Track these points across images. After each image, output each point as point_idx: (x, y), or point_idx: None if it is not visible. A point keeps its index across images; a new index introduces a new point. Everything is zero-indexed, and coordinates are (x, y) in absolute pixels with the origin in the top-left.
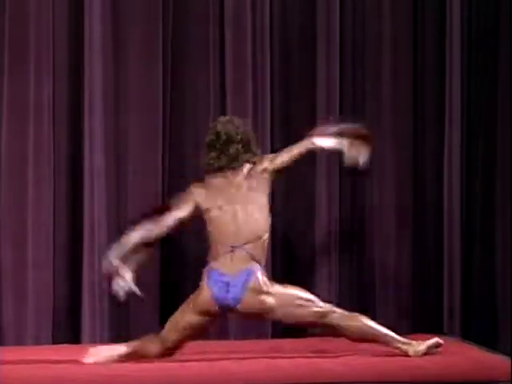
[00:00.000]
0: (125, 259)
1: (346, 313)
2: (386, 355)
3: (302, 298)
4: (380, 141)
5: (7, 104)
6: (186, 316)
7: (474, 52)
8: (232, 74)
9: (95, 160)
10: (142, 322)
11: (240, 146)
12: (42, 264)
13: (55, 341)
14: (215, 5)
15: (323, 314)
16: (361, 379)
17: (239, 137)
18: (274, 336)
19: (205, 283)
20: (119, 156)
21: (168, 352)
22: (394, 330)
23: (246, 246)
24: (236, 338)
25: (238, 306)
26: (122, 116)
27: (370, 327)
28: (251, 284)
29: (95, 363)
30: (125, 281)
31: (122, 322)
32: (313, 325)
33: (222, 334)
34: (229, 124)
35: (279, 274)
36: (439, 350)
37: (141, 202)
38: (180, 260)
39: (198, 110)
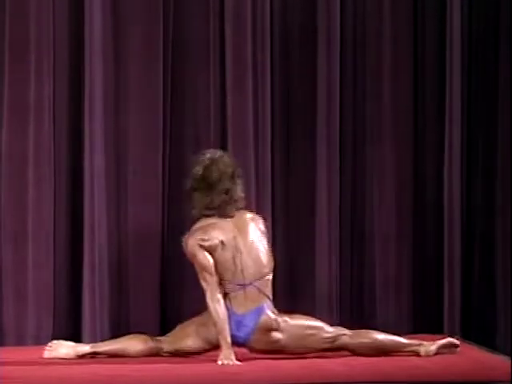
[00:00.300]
0: None
1: (355, 332)
2: (386, 355)
3: (310, 327)
4: (380, 140)
5: (7, 104)
6: (190, 340)
7: (474, 51)
8: (232, 72)
9: (95, 160)
10: (142, 322)
11: (224, 195)
12: (42, 264)
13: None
14: (215, 3)
15: (334, 339)
16: (361, 379)
17: (224, 186)
18: None
19: None
20: (119, 156)
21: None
22: (394, 331)
23: (256, 283)
24: None
25: (248, 344)
26: (122, 116)
27: (381, 340)
28: (261, 323)
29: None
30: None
31: (122, 322)
32: (325, 350)
33: None
34: (211, 170)
35: (280, 275)
36: (458, 350)
37: (141, 202)
38: (181, 261)
39: (198, 110)
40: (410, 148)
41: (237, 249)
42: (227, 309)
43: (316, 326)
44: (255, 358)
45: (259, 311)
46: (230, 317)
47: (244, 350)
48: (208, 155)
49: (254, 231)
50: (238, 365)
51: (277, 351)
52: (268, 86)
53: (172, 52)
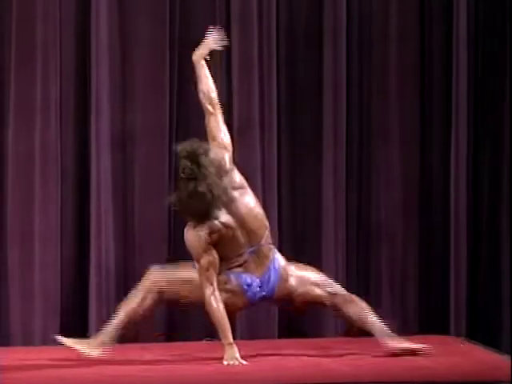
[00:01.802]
0: None
1: (349, 296)
2: (392, 355)
3: (317, 283)
4: (386, 139)
5: (14, 104)
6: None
7: (480, 50)
8: (238, 73)
9: (102, 159)
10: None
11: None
12: (48, 264)
13: None
14: (221, 2)
15: (334, 297)
16: (367, 379)
17: (206, 206)
18: (280, 336)
19: (238, 288)
20: (126, 155)
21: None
22: (400, 331)
23: (263, 241)
24: (243, 338)
25: (272, 297)
26: (129, 115)
27: (367, 314)
28: (280, 273)
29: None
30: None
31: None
32: (323, 305)
33: None
34: (196, 200)
35: None
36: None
37: (148, 202)
38: (187, 256)
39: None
40: (417, 147)
41: (237, 224)
42: (245, 278)
43: (322, 280)
44: (262, 358)
45: (275, 263)
46: (251, 283)
47: (250, 348)
48: (191, 184)
49: (241, 201)
50: (243, 365)
51: (289, 299)
52: (274, 86)
53: (178, 52)
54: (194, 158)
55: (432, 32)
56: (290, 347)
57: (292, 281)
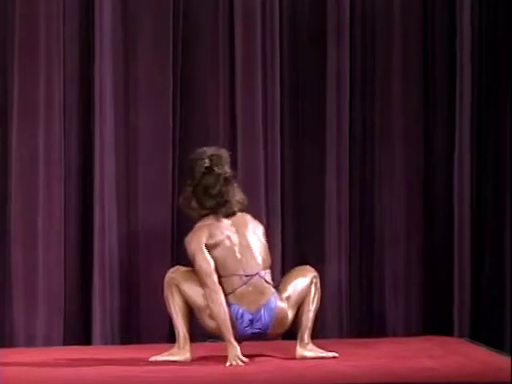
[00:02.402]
0: None
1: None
2: (395, 357)
3: (307, 287)
4: (390, 141)
5: (18, 104)
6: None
7: (484, 49)
8: (242, 71)
9: (105, 160)
10: (152, 323)
11: (216, 199)
12: (52, 265)
13: (66, 342)
14: (225, 1)
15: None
16: (370, 380)
17: (217, 189)
18: (284, 338)
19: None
20: (129, 156)
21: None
22: (403, 331)
23: (261, 273)
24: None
25: (266, 335)
26: (132, 115)
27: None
28: (277, 315)
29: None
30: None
31: (133, 322)
32: None
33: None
34: (209, 177)
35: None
36: None
37: (151, 202)
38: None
39: (207, 109)
40: (421, 148)
41: (240, 244)
42: (238, 309)
43: (307, 288)
44: (266, 359)
45: (270, 304)
46: (242, 316)
47: (254, 349)
48: (207, 160)
49: (252, 230)
50: (246, 366)
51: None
52: (277, 83)
53: (182, 51)
54: (215, 150)
55: (435, 32)
56: (293, 349)
57: (290, 314)
